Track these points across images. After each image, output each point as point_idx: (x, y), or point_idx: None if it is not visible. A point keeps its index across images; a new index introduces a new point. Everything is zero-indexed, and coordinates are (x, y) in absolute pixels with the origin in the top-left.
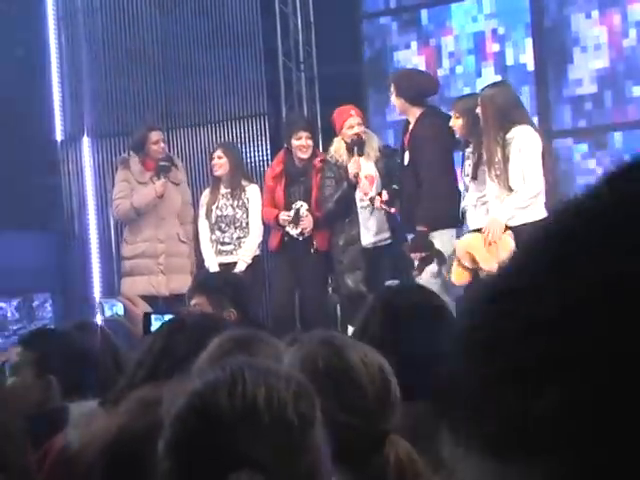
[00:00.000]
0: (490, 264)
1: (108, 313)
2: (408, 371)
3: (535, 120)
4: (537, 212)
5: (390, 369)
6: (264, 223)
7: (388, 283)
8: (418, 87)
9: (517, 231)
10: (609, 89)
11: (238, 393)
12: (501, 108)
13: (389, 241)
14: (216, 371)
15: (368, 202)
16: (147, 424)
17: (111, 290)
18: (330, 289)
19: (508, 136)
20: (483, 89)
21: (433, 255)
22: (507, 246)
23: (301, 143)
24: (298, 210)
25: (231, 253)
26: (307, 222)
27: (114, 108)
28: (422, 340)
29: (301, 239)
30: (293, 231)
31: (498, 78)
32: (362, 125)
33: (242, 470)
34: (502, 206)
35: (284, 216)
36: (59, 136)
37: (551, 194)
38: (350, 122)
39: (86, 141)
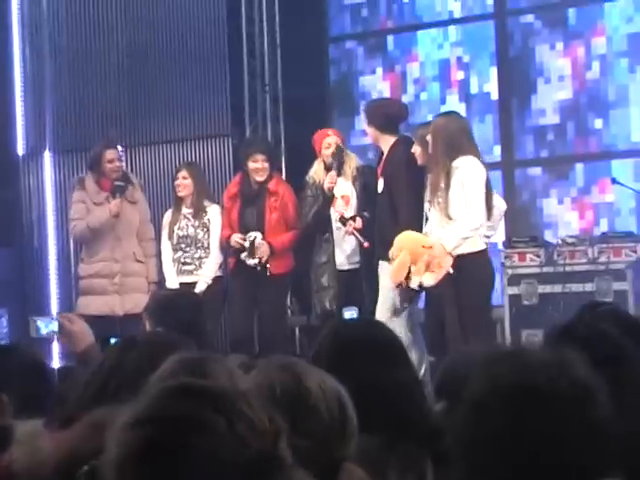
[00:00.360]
0: (420, 276)
1: (44, 331)
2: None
3: (498, 149)
4: (476, 244)
5: (347, 397)
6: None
7: (346, 310)
8: (388, 115)
9: (464, 260)
10: (572, 120)
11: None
12: (449, 137)
13: (358, 265)
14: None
15: (338, 226)
16: (97, 447)
17: (69, 306)
18: (289, 311)
19: (453, 165)
20: (435, 117)
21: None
22: (443, 263)
23: (257, 166)
24: (253, 241)
25: (192, 273)
26: (263, 251)
27: (77, 123)
28: (367, 375)
29: (259, 269)
30: (250, 261)
31: (462, 106)
32: (340, 145)
33: None
34: (447, 234)
35: (236, 238)
36: (20, 150)
37: (512, 222)
38: (327, 141)
39: (47, 156)
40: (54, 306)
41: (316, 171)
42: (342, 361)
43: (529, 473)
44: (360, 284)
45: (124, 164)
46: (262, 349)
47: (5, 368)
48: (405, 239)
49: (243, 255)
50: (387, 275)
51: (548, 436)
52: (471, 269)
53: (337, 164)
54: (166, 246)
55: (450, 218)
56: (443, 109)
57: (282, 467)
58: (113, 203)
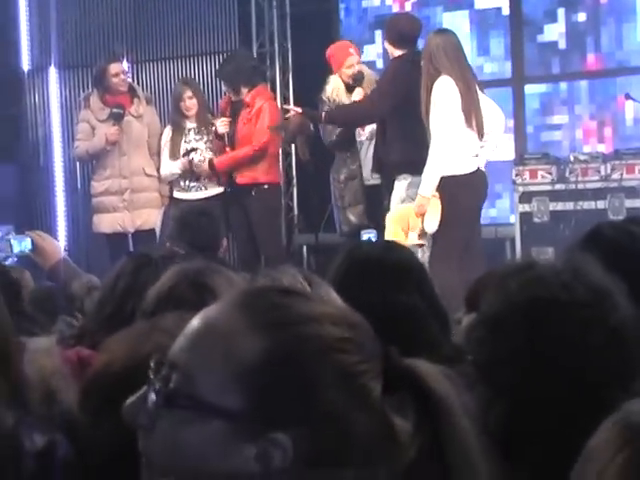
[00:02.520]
0: (417, 229)
1: (17, 248)
2: None
3: (508, 65)
4: (463, 166)
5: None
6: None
7: (365, 233)
8: (401, 31)
9: (445, 181)
10: (584, 36)
11: None
12: (431, 56)
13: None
14: None
15: (366, 136)
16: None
17: (76, 224)
18: (296, 230)
19: (434, 85)
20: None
21: None
22: (433, 208)
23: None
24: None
25: (200, 189)
26: (202, 170)
27: (82, 39)
28: (377, 298)
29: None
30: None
31: (468, 22)
32: (360, 63)
33: None
34: (422, 177)
35: (220, 123)
36: (25, 66)
37: (522, 139)
38: (350, 60)
39: (53, 71)
40: (61, 224)
41: (334, 89)
42: (353, 283)
43: (551, 387)
44: (381, 199)
45: (130, 78)
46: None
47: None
48: (390, 217)
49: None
50: (399, 191)
51: (568, 345)
52: (455, 192)
53: (359, 84)
54: (166, 164)
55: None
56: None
57: None
58: (110, 131)
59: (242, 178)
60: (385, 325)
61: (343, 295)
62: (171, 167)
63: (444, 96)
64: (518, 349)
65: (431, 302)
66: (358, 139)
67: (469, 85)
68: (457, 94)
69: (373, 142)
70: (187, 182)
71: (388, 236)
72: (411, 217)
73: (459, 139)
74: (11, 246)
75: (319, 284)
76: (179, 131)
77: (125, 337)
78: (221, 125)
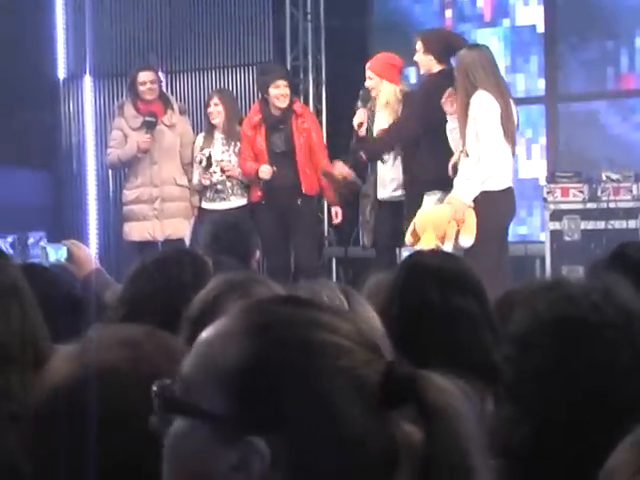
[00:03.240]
0: (452, 240)
1: (53, 257)
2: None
3: (542, 83)
4: (498, 182)
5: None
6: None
7: (404, 251)
8: (448, 44)
9: (478, 199)
10: (618, 55)
11: None
12: (466, 72)
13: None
14: None
15: (391, 156)
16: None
17: (107, 232)
18: (326, 242)
19: (470, 101)
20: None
21: None
22: (470, 222)
23: (279, 92)
24: (209, 158)
25: (224, 199)
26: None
27: (118, 48)
28: (432, 301)
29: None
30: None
31: (506, 39)
32: (372, 78)
33: None
34: (461, 184)
35: (265, 169)
36: (61, 74)
37: (555, 157)
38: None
39: (88, 80)
40: (92, 231)
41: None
42: (413, 287)
43: (577, 408)
44: (401, 217)
45: (163, 88)
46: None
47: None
48: (425, 218)
49: (267, 177)
50: (428, 205)
51: (596, 366)
52: (489, 209)
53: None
54: (196, 170)
55: (467, 155)
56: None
57: None
58: (142, 139)
59: (311, 189)
60: (444, 324)
61: (403, 300)
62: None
63: (485, 111)
64: (546, 369)
65: (485, 311)
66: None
67: (506, 100)
68: (497, 108)
69: (397, 161)
70: (212, 193)
71: (424, 240)
72: (448, 227)
73: (501, 154)
74: (47, 254)
75: (357, 299)
76: (209, 141)
77: (70, 351)
78: (264, 173)
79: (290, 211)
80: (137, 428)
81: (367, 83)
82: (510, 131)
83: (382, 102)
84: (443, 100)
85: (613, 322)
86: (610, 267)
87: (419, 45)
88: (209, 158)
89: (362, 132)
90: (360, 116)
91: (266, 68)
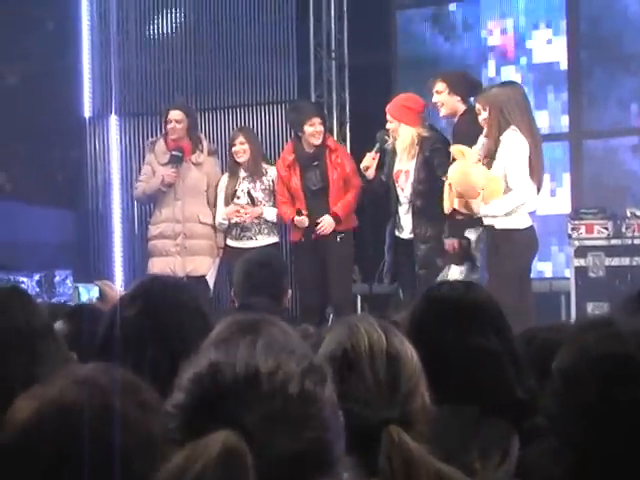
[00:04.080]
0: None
1: (85, 297)
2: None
3: (566, 119)
4: (522, 220)
5: (407, 358)
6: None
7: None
8: (470, 85)
9: (498, 234)
10: None
11: (245, 363)
12: (500, 109)
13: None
14: (231, 344)
15: (405, 198)
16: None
17: (132, 269)
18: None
19: (501, 137)
20: (490, 88)
21: (467, 253)
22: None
23: (315, 129)
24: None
25: (251, 238)
26: (328, 225)
27: (143, 87)
28: (452, 340)
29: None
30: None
31: (530, 76)
32: (392, 122)
33: (223, 430)
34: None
35: (299, 218)
36: (87, 112)
37: (579, 193)
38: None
39: (114, 119)
40: (118, 269)
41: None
42: (430, 324)
43: (620, 444)
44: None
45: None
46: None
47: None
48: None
49: (303, 225)
50: None
51: (638, 406)
52: (513, 246)
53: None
54: (220, 211)
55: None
56: (506, 78)
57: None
58: (167, 173)
59: (340, 225)
60: (460, 367)
61: (420, 337)
62: (222, 214)
63: (515, 149)
64: (590, 404)
65: (508, 345)
66: (400, 198)
67: (536, 139)
68: (527, 148)
69: (415, 204)
70: (238, 231)
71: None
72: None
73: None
74: (79, 294)
75: (395, 334)
76: (233, 179)
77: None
78: (300, 223)
79: (328, 247)
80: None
81: (388, 125)
82: (537, 170)
83: (401, 146)
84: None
85: None
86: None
87: (442, 86)
88: (249, 193)
89: (370, 175)
90: (367, 160)
91: (298, 106)
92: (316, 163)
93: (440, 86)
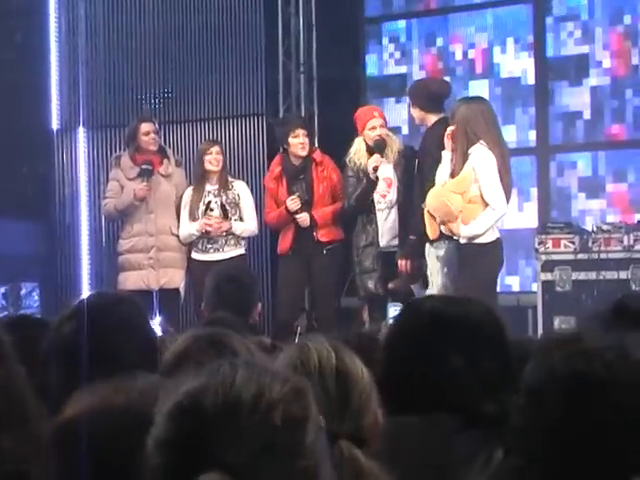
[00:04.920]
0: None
1: None
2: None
3: (533, 134)
4: (487, 234)
5: (358, 375)
6: (273, 228)
7: (391, 306)
8: (430, 94)
9: (463, 249)
10: (606, 106)
11: (227, 392)
12: (467, 124)
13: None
14: (209, 370)
15: (385, 204)
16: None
17: (99, 282)
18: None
19: (469, 152)
20: (456, 103)
21: (421, 273)
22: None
23: (299, 141)
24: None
25: (218, 250)
26: (303, 221)
27: (111, 100)
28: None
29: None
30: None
31: (497, 90)
32: (384, 127)
33: (211, 472)
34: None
35: (290, 201)
36: (55, 125)
37: (546, 208)
38: (373, 123)
39: (81, 131)
40: (85, 281)
41: (356, 151)
42: (404, 338)
43: (586, 464)
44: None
45: (161, 139)
46: (316, 323)
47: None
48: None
49: (297, 207)
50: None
51: (604, 426)
52: (478, 260)
53: (379, 150)
54: (184, 225)
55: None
56: (471, 92)
57: None
58: (139, 187)
59: (326, 236)
60: (429, 380)
61: (396, 351)
62: (189, 228)
63: (484, 165)
64: (555, 422)
65: (504, 363)
66: (377, 206)
67: (504, 153)
68: (494, 163)
69: (393, 210)
70: (205, 244)
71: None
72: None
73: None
74: None
75: (346, 352)
76: (199, 192)
77: (92, 392)
78: (292, 203)
79: (314, 260)
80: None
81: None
82: (505, 184)
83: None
84: (446, 134)
85: (624, 383)
86: (612, 319)
87: (408, 100)
88: (222, 206)
89: (373, 176)
90: (376, 159)
91: (283, 119)
92: (302, 176)
93: (408, 99)
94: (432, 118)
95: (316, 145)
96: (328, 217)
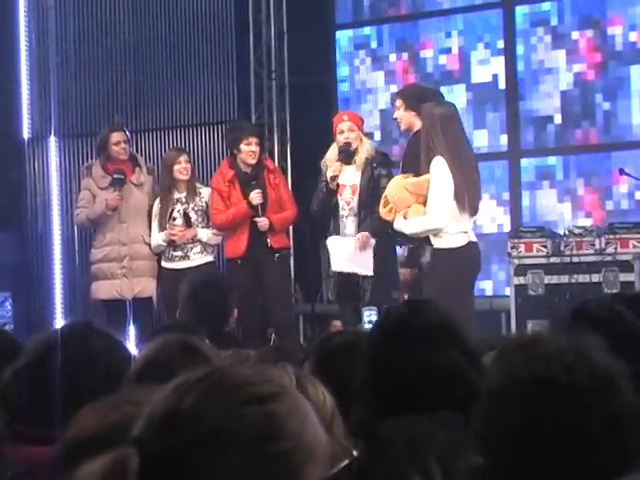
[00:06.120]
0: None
1: None
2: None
3: (504, 138)
4: (454, 240)
5: (324, 402)
6: (222, 229)
7: (366, 310)
8: (424, 96)
9: (434, 254)
10: (579, 110)
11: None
12: (430, 128)
13: None
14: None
15: (348, 211)
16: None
17: (72, 292)
18: (293, 299)
19: (432, 160)
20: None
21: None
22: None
23: (251, 149)
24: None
25: (183, 258)
26: (262, 225)
27: (82, 108)
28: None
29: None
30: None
31: (468, 95)
32: (355, 130)
33: None
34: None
35: (255, 194)
36: (26, 134)
37: (518, 212)
38: (340, 127)
39: (52, 140)
40: (57, 291)
41: (329, 154)
42: (384, 350)
43: (546, 466)
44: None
45: (132, 148)
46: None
47: None
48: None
49: (258, 202)
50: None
51: (566, 429)
52: (449, 265)
53: (344, 156)
54: (155, 236)
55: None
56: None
57: None
58: (111, 196)
59: (278, 242)
60: (420, 384)
61: (378, 364)
62: (157, 238)
63: (438, 179)
64: (518, 427)
65: (468, 356)
66: (341, 212)
67: (462, 162)
68: (450, 176)
69: (355, 218)
70: (170, 252)
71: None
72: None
73: (450, 218)
74: None
75: (309, 379)
76: (167, 201)
77: (95, 408)
78: (256, 197)
79: (266, 266)
80: None
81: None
82: (466, 194)
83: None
84: None
85: (584, 385)
86: (573, 324)
87: (399, 102)
88: (185, 214)
89: (334, 186)
90: (335, 169)
91: (236, 125)
92: (253, 182)
93: (398, 102)
94: (419, 124)
95: (288, 153)
96: (285, 222)
